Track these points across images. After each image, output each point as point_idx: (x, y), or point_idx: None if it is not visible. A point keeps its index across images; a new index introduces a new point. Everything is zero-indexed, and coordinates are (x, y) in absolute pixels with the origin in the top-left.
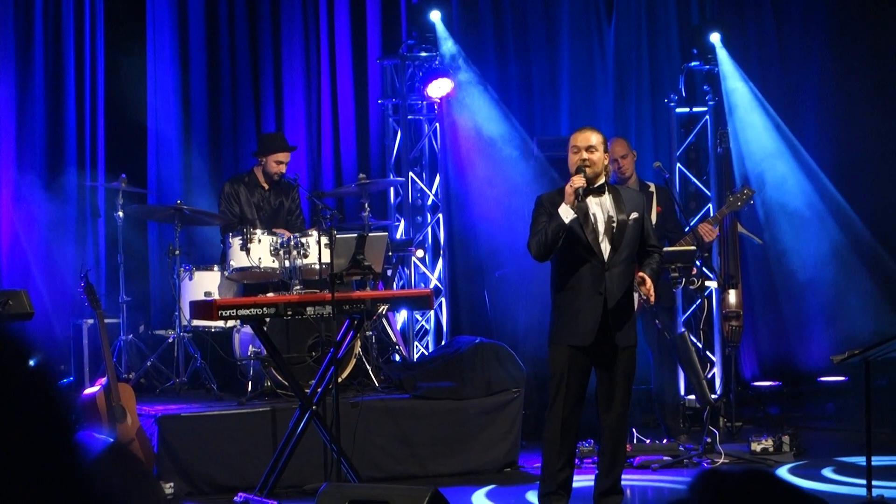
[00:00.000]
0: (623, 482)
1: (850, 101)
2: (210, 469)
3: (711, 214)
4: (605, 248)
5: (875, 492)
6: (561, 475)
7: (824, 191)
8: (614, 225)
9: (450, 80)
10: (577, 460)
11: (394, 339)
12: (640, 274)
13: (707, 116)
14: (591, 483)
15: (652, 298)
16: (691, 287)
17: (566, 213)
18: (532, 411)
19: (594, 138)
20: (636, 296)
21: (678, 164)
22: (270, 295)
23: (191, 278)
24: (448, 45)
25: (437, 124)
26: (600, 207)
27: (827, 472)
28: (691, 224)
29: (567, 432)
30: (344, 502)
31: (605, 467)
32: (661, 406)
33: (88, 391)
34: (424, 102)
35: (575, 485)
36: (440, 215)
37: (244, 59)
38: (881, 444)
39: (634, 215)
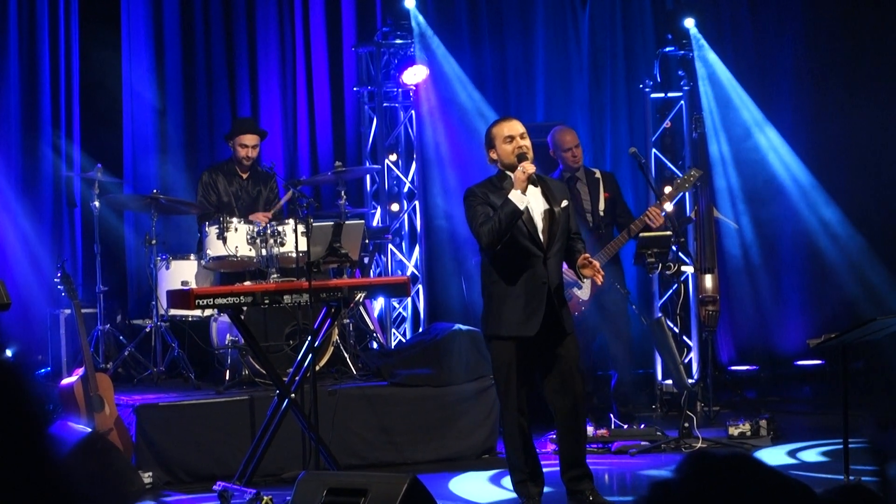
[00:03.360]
0: (600, 467)
1: (825, 84)
2: (188, 458)
3: (688, 199)
4: (543, 237)
5: (852, 475)
6: (529, 464)
7: (800, 174)
8: (549, 214)
9: (425, 67)
10: (555, 446)
11: (371, 327)
12: (585, 256)
13: (682, 101)
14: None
15: (600, 278)
16: (667, 272)
17: (520, 200)
18: None
19: (521, 127)
20: (588, 281)
21: (653, 150)
22: (247, 283)
23: (167, 267)
24: (423, 33)
25: (413, 111)
26: (534, 197)
27: (804, 456)
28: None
29: (525, 422)
30: (322, 490)
31: (572, 451)
32: (619, 392)
33: (66, 381)
34: (400, 90)
35: (547, 470)
36: (416, 202)
37: (219, 48)
38: (858, 428)
39: (564, 203)
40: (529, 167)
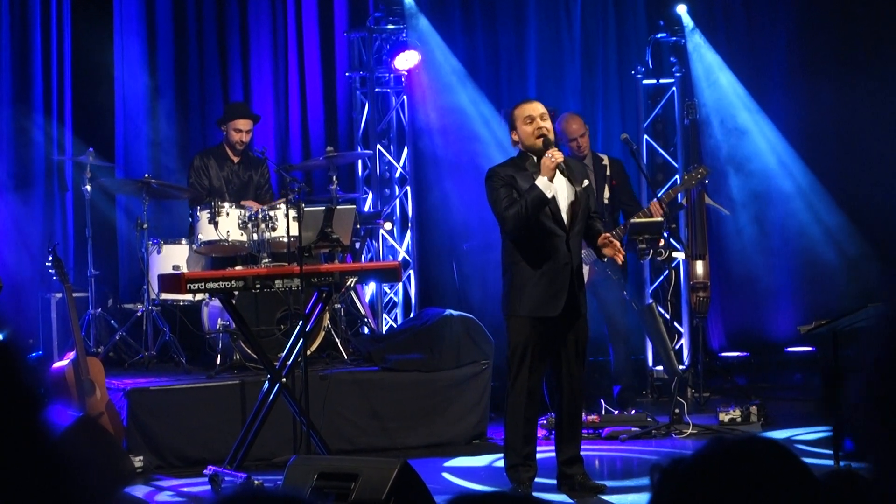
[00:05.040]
0: (591, 453)
1: (817, 72)
2: (179, 442)
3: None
4: (567, 218)
5: (843, 461)
6: (526, 447)
7: (791, 161)
8: (571, 195)
9: (417, 52)
10: (546, 431)
11: (362, 312)
12: (606, 235)
13: (674, 88)
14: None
15: (621, 257)
16: (659, 258)
17: (546, 187)
18: (500, 383)
19: (542, 108)
20: (587, 267)
21: (645, 136)
22: (239, 268)
23: (159, 252)
24: (415, 18)
25: (405, 97)
26: (559, 181)
27: (794, 442)
28: (659, 194)
29: (531, 405)
30: (313, 475)
31: (569, 435)
32: (618, 377)
33: (57, 365)
34: (392, 75)
35: (539, 455)
36: (408, 188)
37: (211, 33)
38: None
39: (585, 183)
40: (558, 155)
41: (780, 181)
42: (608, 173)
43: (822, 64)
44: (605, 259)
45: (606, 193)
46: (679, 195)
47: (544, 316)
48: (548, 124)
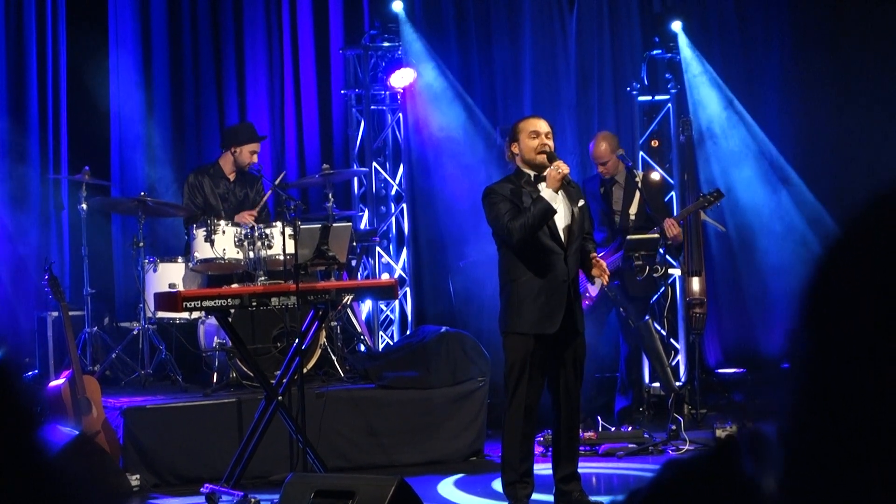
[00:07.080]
0: (588, 470)
1: (811, 87)
2: (176, 460)
3: (675, 202)
4: (564, 235)
5: None
6: (524, 465)
7: (786, 176)
8: (569, 213)
9: (412, 69)
10: (542, 448)
11: (359, 329)
12: (593, 256)
13: (669, 104)
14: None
15: (606, 278)
16: (655, 275)
17: (552, 198)
18: (497, 400)
19: (548, 126)
20: (598, 281)
21: (641, 153)
22: (235, 286)
23: (155, 270)
24: (410, 35)
25: (401, 114)
26: (554, 196)
27: None
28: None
29: (529, 422)
30: (310, 492)
31: (567, 452)
32: (635, 393)
33: (53, 384)
34: (387, 93)
35: (536, 472)
36: (404, 205)
37: (207, 50)
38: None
39: (581, 203)
40: (564, 167)
41: (776, 197)
42: (637, 191)
43: (817, 80)
44: (594, 279)
45: (634, 209)
46: (674, 210)
47: (542, 333)
48: (551, 143)
